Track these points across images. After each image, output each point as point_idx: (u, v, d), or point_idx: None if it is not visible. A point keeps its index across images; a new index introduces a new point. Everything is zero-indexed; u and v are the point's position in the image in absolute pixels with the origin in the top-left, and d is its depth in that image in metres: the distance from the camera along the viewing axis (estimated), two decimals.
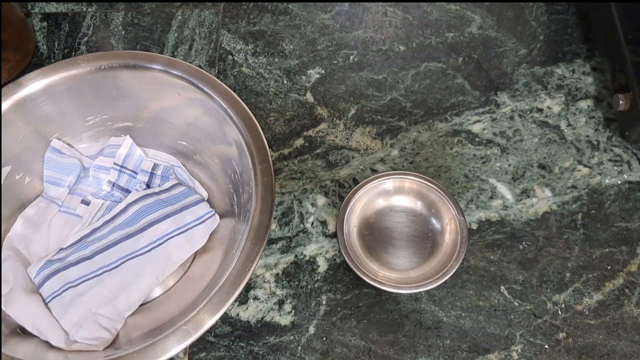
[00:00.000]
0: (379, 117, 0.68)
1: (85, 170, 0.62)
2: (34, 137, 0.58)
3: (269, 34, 0.74)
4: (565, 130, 0.66)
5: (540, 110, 0.67)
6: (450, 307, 0.57)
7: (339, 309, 0.57)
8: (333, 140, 0.66)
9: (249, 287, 0.58)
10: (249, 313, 0.57)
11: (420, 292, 0.57)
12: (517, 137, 0.66)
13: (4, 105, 0.55)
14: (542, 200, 0.62)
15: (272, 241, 0.60)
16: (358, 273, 0.54)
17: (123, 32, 0.75)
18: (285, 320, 0.56)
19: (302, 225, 0.61)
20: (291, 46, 0.73)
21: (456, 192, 0.63)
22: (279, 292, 0.58)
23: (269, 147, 0.52)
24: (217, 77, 0.60)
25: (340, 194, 0.63)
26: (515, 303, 0.57)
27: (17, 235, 0.57)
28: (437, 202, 0.58)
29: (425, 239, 0.58)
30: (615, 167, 0.64)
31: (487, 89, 0.69)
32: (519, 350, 0.54)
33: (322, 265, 0.59)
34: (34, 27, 0.75)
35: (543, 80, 0.69)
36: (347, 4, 0.76)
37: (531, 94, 0.68)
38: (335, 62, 0.72)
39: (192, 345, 0.55)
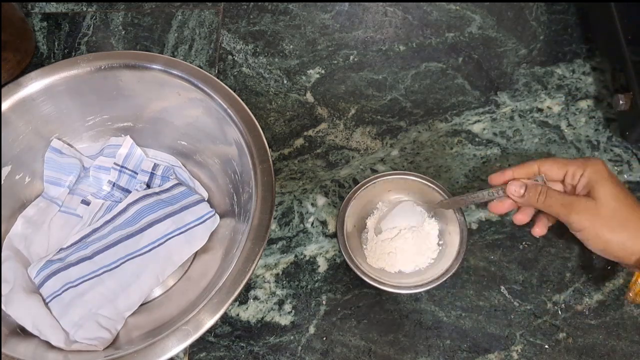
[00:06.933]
0: (379, 117, 0.68)
1: (86, 170, 0.62)
2: (34, 137, 0.58)
3: (269, 34, 0.74)
4: (565, 130, 0.66)
5: (540, 110, 0.67)
6: (450, 307, 0.57)
7: (339, 309, 0.57)
8: (333, 140, 0.66)
9: (249, 287, 0.58)
10: (249, 313, 0.57)
11: (420, 292, 0.57)
12: (517, 137, 0.66)
13: (4, 105, 0.55)
14: None
15: (272, 241, 0.60)
16: (358, 273, 0.54)
17: (123, 32, 0.75)
18: (285, 320, 0.56)
19: (302, 225, 0.61)
20: (291, 46, 0.73)
21: (456, 192, 0.63)
22: (279, 292, 0.58)
23: (269, 147, 0.52)
24: (217, 77, 0.60)
25: (340, 194, 0.63)
26: (515, 303, 0.57)
27: (17, 235, 0.57)
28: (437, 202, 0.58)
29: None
30: (615, 167, 0.64)
31: (487, 89, 0.69)
32: (519, 350, 0.54)
33: (322, 265, 0.59)
34: (34, 27, 0.75)
35: (543, 80, 0.69)
36: (347, 4, 0.76)
37: (531, 94, 0.68)
38: (335, 62, 0.72)
39: (192, 345, 0.55)
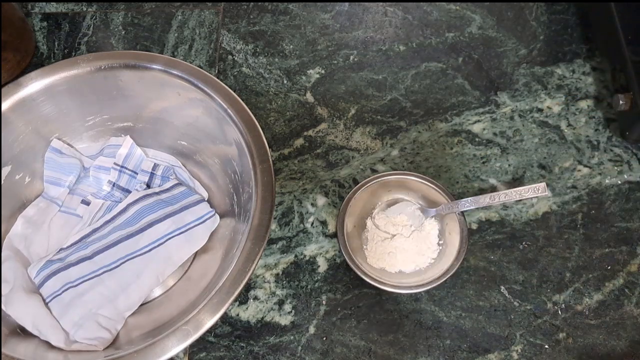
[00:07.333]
0: (379, 117, 0.68)
1: (86, 170, 0.62)
2: (34, 137, 0.58)
3: (269, 34, 0.74)
4: (565, 130, 0.66)
5: (540, 110, 0.67)
6: (450, 307, 0.57)
7: (339, 309, 0.57)
8: (333, 140, 0.66)
9: (249, 287, 0.58)
10: (249, 313, 0.57)
11: (420, 292, 0.57)
12: (517, 137, 0.66)
13: (4, 105, 0.55)
14: (542, 200, 0.62)
15: (272, 241, 0.60)
16: (358, 273, 0.54)
17: (123, 32, 0.75)
18: (285, 320, 0.56)
19: (302, 225, 0.61)
20: (291, 46, 0.73)
21: (456, 192, 0.63)
22: (279, 292, 0.58)
23: (269, 147, 0.52)
24: (217, 77, 0.60)
25: (340, 194, 0.63)
26: (515, 303, 0.57)
27: (17, 235, 0.57)
28: (437, 202, 0.58)
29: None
30: (615, 167, 0.64)
31: (487, 89, 0.69)
32: (519, 350, 0.54)
33: (322, 265, 0.59)
34: (34, 27, 0.75)
35: (543, 80, 0.69)
36: (347, 4, 0.76)
37: (531, 94, 0.68)
38: (335, 62, 0.72)
39: (192, 345, 0.55)
